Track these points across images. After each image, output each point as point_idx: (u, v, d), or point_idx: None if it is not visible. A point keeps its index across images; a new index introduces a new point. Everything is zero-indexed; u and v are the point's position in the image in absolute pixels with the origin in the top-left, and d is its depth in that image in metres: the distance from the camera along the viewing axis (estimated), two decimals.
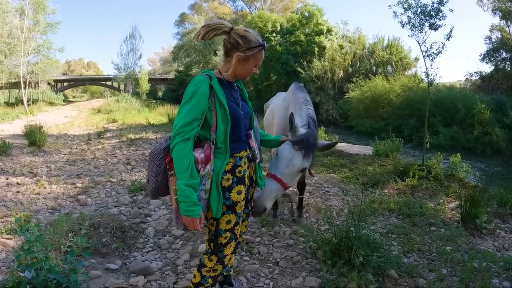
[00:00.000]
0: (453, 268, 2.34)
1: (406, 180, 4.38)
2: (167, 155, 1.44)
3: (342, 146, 7.70)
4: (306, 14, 22.75)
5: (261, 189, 1.78)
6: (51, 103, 25.63)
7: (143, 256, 2.45)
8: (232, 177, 1.48)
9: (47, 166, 5.21)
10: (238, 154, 1.51)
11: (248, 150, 1.58)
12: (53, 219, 2.90)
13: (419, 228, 2.99)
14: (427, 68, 4.89)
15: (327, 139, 7.34)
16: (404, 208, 3.36)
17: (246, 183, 1.56)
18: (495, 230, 3.06)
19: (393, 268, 2.15)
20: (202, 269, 1.56)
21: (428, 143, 4.94)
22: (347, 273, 2.02)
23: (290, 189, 4.04)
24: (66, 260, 1.84)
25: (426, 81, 5.07)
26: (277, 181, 1.79)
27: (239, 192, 1.50)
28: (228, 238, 1.52)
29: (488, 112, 11.54)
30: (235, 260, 2.33)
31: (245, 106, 1.59)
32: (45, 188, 4.04)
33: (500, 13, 16.67)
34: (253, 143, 1.59)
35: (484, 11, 17.40)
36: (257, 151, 1.62)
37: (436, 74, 4.87)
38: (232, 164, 1.48)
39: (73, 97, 44.69)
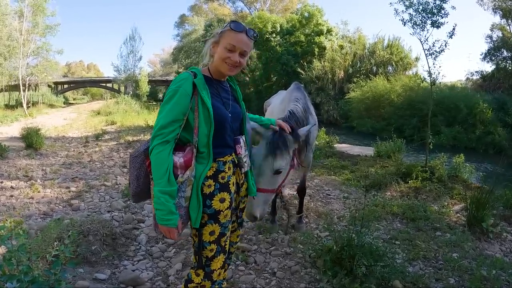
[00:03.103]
0: (461, 277, 2.22)
1: (409, 182, 4.26)
2: (147, 158, 1.32)
3: (343, 147, 7.61)
4: (306, 14, 22.67)
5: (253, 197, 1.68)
6: (51, 105, 25.58)
7: (133, 265, 2.34)
8: (214, 183, 1.34)
9: (43, 169, 5.14)
10: (221, 159, 1.37)
11: (233, 154, 1.43)
12: (44, 225, 2.82)
13: (424, 233, 2.87)
14: (429, 67, 4.78)
15: (327, 140, 7.25)
16: (408, 212, 3.24)
17: (232, 190, 1.41)
18: (502, 234, 2.97)
19: (397, 278, 2.03)
20: (189, 284, 1.42)
21: (431, 144, 4.82)
22: (348, 284, 1.90)
23: (290, 192, 3.94)
24: (50, 271, 1.76)
25: (429, 80, 4.95)
26: (258, 190, 1.69)
27: (222, 200, 1.35)
28: (214, 251, 1.37)
29: (490, 112, 11.43)
30: (229, 270, 2.21)
31: (236, 108, 1.45)
32: (39, 192, 3.98)
33: (501, 12, 16.60)
34: (241, 150, 1.44)
35: (485, 10, 17.35)
36: (245, 159, 1.46)
37: (439, 73, 4.76)
38: (214, 169, 1.35)
39: (74, 99, 44.74)
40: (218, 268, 1.40)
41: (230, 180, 1.39)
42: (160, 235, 1.51)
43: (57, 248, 2.09)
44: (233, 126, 1.42)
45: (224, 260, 1.43)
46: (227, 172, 1.38)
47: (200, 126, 1.29)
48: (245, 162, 1.46)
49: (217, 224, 1.35)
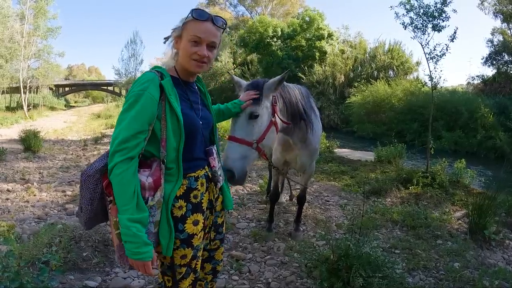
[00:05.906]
0: None
1: (410, 188, 4.19)
2: (104, 177, 1.10)
3: (343, 152, 7.53)
4: (307, 19, 22.67)
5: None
6: (52, 108, 25.65)
7: (125, 272, 2.27)
8: (185, 204, 1.17)
9: (40, 173, 5.11)
10: (193, 174, 1.20)
11: (207, 168, 1.28)
12: (37, 229, 2.79)
13: (425, 242, 2.79)
14: (430, 71, 4.73)
15: (327, 144, 7.19)
16: (408, 219, 3.17)
17: (205, 210, 1.25)
18: (504, 241, 2.90)
19: None
20: None
21: (432, 149, 4.75)
22: None
23: (287, 198, 3.86)
24: (38, 277, 1.74)
25: (430, 84, 4.90)
26: (232, 140, 1.61)
27: (195, 223, 1.19)
28: (183, 273, 1.21)
29: (491, 116, 11.34)
30: (223, 279, 2.15)
31: (206, 113, 1.29)
32: (34, 195, 3.96)
33: (502, 16, 16.58)
34: (215, 162, 1.28)
35: (485, 14, 17.33)
36: (219, 172, 1.31)
37: (440, 77, 4.71)
38: (185, 188, 1.17)
39: (75, 102, 44.91)
40: (187, 286, 1.25)
41: (202, 199, 1.23)
42: (126, 268, 1.28)
43: (46, 254, 2.05)
44: (204, 134, 1.26)
45: (194, 278, 1.27)
46: (199, 190, 1.22)
47: (168, 137, 1.11)
48: (219, 175, 1.31)
49: (189, 248, 1.19)
